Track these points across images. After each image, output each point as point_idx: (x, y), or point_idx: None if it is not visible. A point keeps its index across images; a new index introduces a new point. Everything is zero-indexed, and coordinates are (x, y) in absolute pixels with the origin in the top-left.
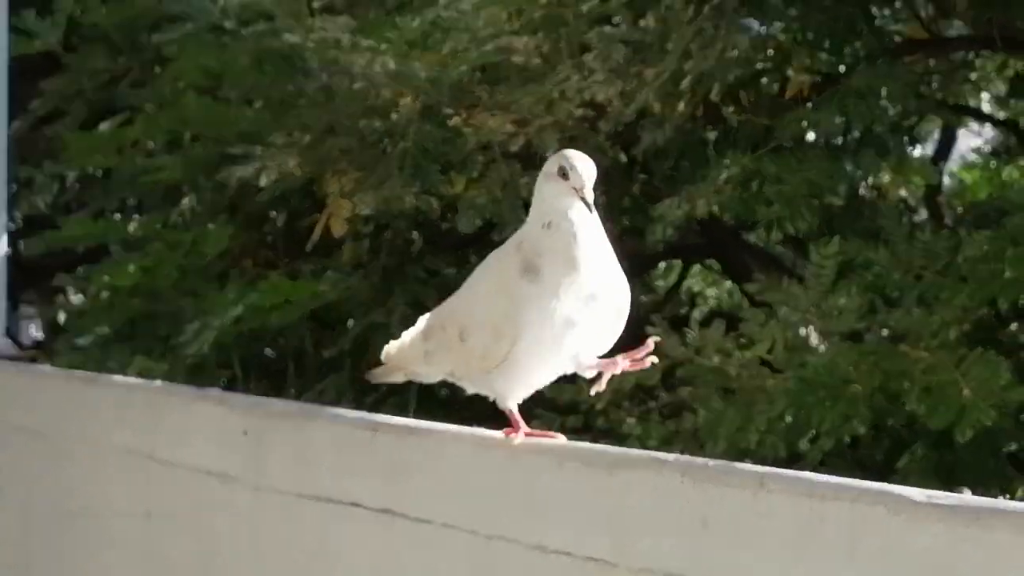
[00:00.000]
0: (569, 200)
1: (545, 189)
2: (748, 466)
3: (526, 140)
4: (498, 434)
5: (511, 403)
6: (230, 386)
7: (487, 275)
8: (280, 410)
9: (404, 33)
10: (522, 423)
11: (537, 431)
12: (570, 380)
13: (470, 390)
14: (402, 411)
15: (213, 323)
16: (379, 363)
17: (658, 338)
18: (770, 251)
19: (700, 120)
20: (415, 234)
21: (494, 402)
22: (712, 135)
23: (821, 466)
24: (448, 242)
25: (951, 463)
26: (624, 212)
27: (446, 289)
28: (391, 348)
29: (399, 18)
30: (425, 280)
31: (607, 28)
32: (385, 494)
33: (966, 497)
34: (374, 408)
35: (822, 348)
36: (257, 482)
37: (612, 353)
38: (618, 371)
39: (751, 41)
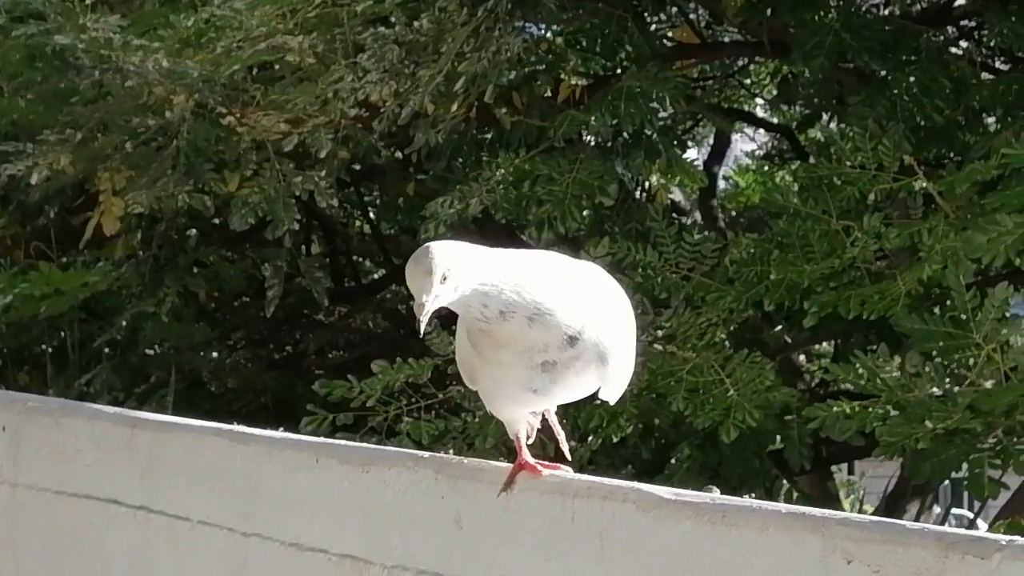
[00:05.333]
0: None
1: None
2: (501, 464)
3: (300, 139)
4: (255, 431)
5: (512, 433)
6: None
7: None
8: (38, 406)
9: (178, 31)
10: (524, 453)
11: (545, 463)
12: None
13: None
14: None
15: None
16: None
17: (570, 471)
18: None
19: (474, 121)
20: (192, 231)
21: (265, 396)
22: (486, 136)
23: (589, 465)
24: (221, 236)
25: (717, 462)
26: (399, 211)
27: (217, 280)
28: None
29: (173, 16)
30: (195, 271)
31: (382, 29)
32: (143, 490)
33: (714, 495)
34: (142, 400)
35: None
36: (15, 478)
37: None
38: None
39: (524, 43)
